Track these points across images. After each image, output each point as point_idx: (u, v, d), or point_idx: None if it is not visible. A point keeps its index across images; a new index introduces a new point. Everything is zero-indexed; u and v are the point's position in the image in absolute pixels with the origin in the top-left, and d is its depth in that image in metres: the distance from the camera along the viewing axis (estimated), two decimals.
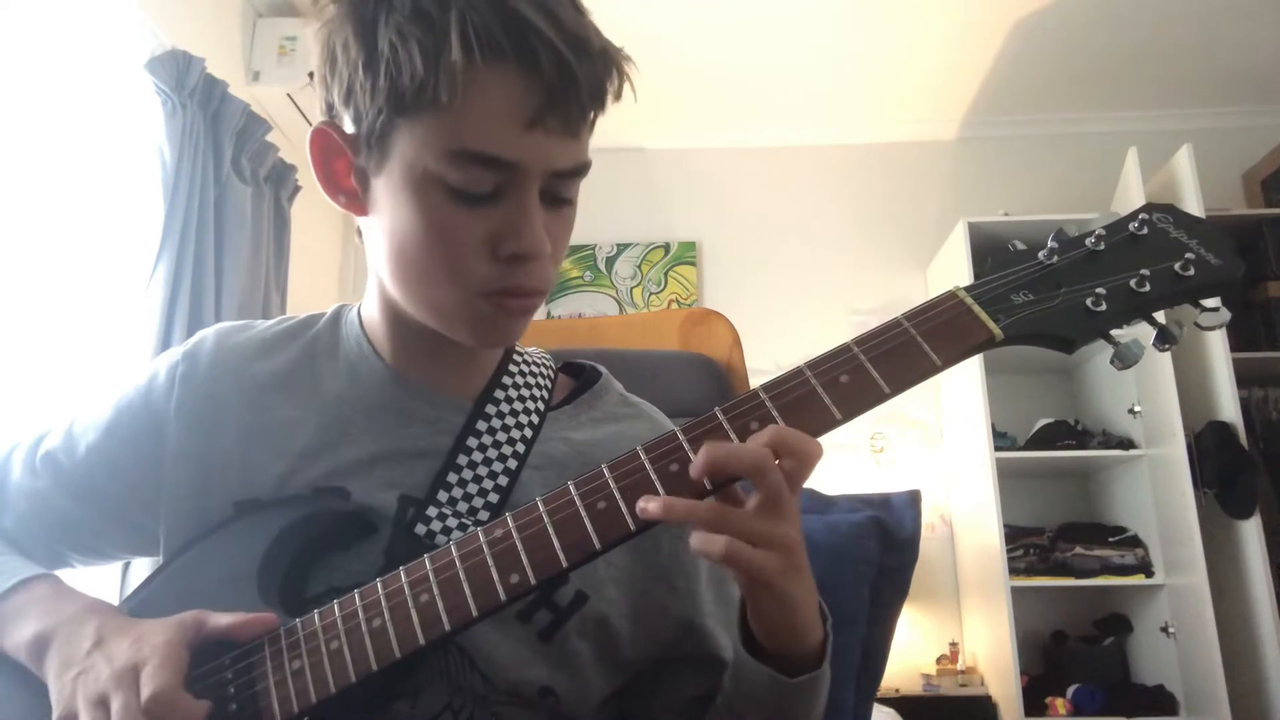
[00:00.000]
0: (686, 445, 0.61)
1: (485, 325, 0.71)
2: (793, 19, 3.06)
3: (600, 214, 3.63)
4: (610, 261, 3.67)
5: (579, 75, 0.64)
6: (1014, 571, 2.92)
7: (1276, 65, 3.31)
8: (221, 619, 0.64)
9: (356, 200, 0.72)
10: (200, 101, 2.27)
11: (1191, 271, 0.62)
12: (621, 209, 3.69)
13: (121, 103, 2.17)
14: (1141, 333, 0.64)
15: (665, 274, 3.63)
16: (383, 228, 0.70)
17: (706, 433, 0.61)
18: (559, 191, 0.69)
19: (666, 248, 3.67)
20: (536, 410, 0.80)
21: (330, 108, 0.70)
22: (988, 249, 3.13)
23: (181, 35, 2.26)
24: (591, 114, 0.68)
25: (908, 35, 3.16)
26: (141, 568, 1.86)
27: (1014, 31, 3.11)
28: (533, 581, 0.60)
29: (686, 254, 3.65)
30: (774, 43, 3.19)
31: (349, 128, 0.69)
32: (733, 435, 0.60)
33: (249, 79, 2.72)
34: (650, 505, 0.57)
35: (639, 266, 3.66)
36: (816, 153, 3.74)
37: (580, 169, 0.69)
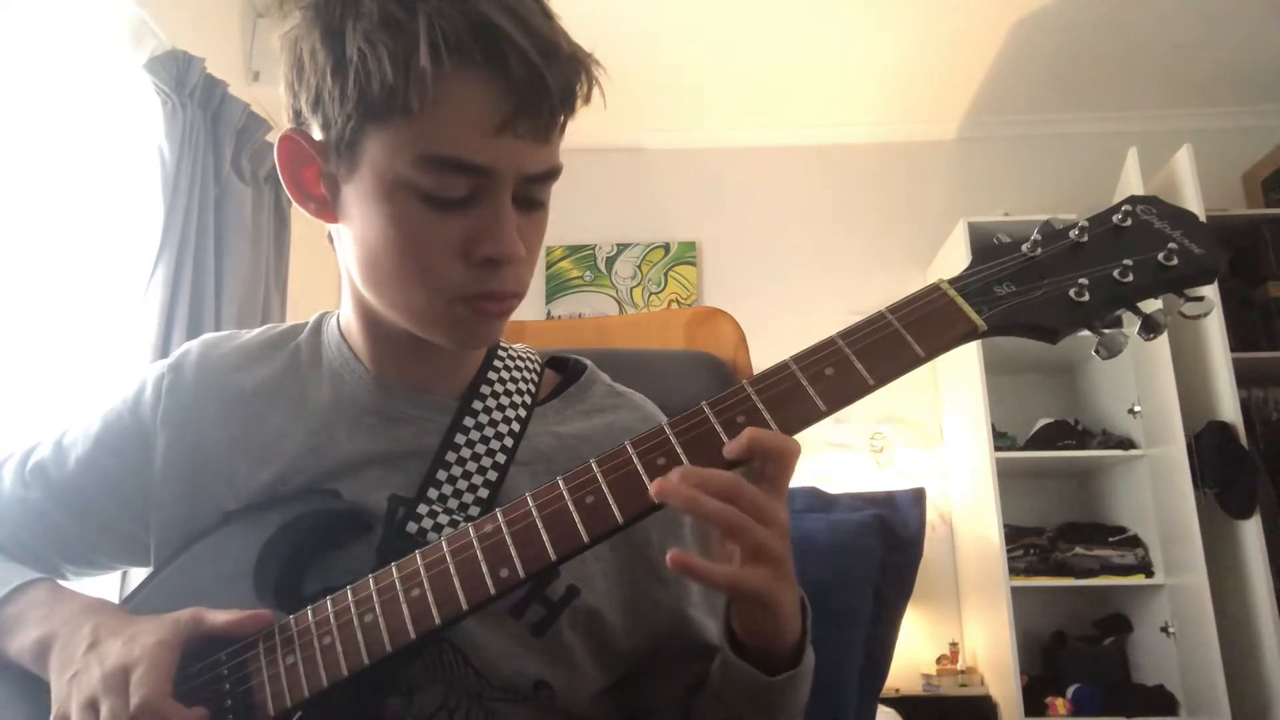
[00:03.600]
0: (674, 440, 0.62)
1: (461, 329, 0.72)
2: (793, 19, 3.06)
3: (600, 214, 3.63)
4: (610, 261, 3.67)
5: (549, 80, 0.64)
6: (1014, 571, 2.91)
7: (1276, 65, 3.31)
8: (218, 616, 0.65)
9: (326, 207, 0.72)
10: (200, 101, 2.27)
11: (1175, 261, 0.62)
12: (621, 209, 3.70)
13: (121, 103, 2.17)
14: (1125, 321, 0.64)
15: (665, 274, 3.63)
16: (354, 234, 0.70)
17: (694, 427, 0.62)
18: (531, 195, 0.69)
19: (666, 248, 3.67)
20: (523, 405, 0.81)
21: (298, 114, 0.70)
22: None
23: (181, 35, 2.26)
24: (561, 118, 0.68)
25: (907, 35, 3.16)
26: (139, 574, 1.86)
27: (1014, 31, 3.11)
28: (522, 575, 0.61)
29: (686, 254, 3.65)
30: (774, 43, 3.19)
31: (317, 134, 0.69)
32: (719, 429, 0.61)
33: (249, 79, 2.72)
34: (665, 487, 0.57)
35: (639, 266, 3.66)
36: (816, 153, 3.74)
37: (552, 173, 0.70)
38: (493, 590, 0.61)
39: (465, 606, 0.61)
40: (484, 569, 0.61)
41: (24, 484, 0.81)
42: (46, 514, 0.81)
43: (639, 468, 0.61)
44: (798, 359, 0.63)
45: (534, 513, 0.62)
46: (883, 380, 0.61)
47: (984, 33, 3.14)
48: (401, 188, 0.66)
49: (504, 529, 0.62)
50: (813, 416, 0.61)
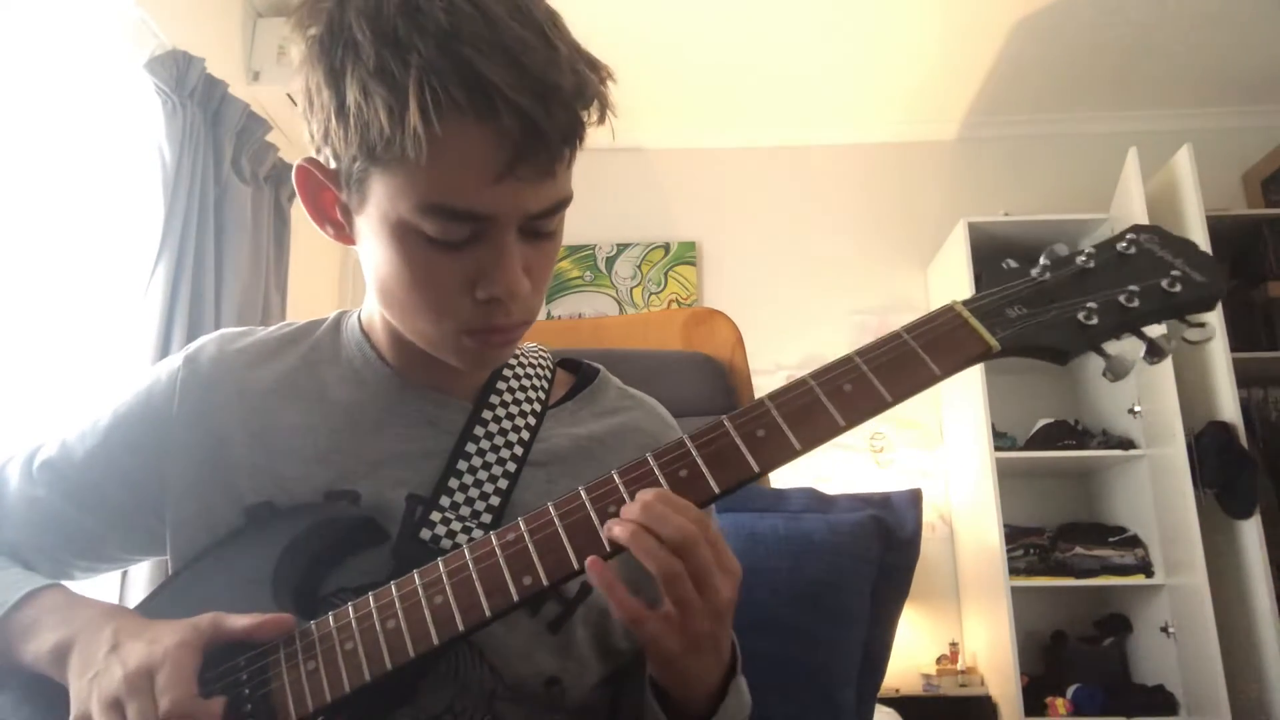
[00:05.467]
0: (695, 452, 0.63)
1: (469, 356, 0.73)
2: (793, 19, 3.06)
3: (600, 214, 3.63)
4: (610, 261, 3.67)
5: (545, 127, 0.62)
6: (1014, 571, 2.92)
7: (1276, 65, 3.31)
8: (239, 620, 0.65)
9: (344, 232, 0.74)
10: (200, 101, 2.27)
11: (1178, 288, 0.65)
12: (621, 209, 3.70)
13: (121, 103, 2.17)
14: (1131, 346, 0.66)
15: (665, 274, 3.63)
16: (368, 260, 0.72)
17: (714, 439, 0.63)
18: (539, 228, 0.69)
19: (666, 248, 3.67)
20: (533, 413, 0.82)
21: (313, 139, 0.71)
22: (988, 249, 3.13)
23: (181, 35, 2.26)
24: (567, 152, 0.66)
25: (908, 35, 3.16)
26: (140, 580, 1.86)
27: (1014, 31, 3.12)
28: (545, 583, 0.62)
29: (686, 254, 3.65)
30: (774, 43, 3.20)
31: (331, 164, 0.70)
32: (740, 443, 0.63)
33: (249, 79, 2.72)
34: (617, 529, 0.60)
35: (639, 266, 3.66)
36: (816, 153, 3.74)
37: (559, 205, 0.69)
38: (516, 597, 0.62)
39: (488, 613, 0.62)
40: (507, 576, 0.62)
41: (31, 482, 0.81)
42: (57, 510, 0.80)
43: (660, 478, 0.62)
44: (816, 375, 0.64)
45: (556, 521, 0.63)
46: (900, 397, 0.63)
47: (984, 33, 3.14)
48: (406, 230, 0.66)
49: (526, 537, 0.63)
50: (831, 431, 0.63)
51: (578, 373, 0.91)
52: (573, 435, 0.82)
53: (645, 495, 0.61)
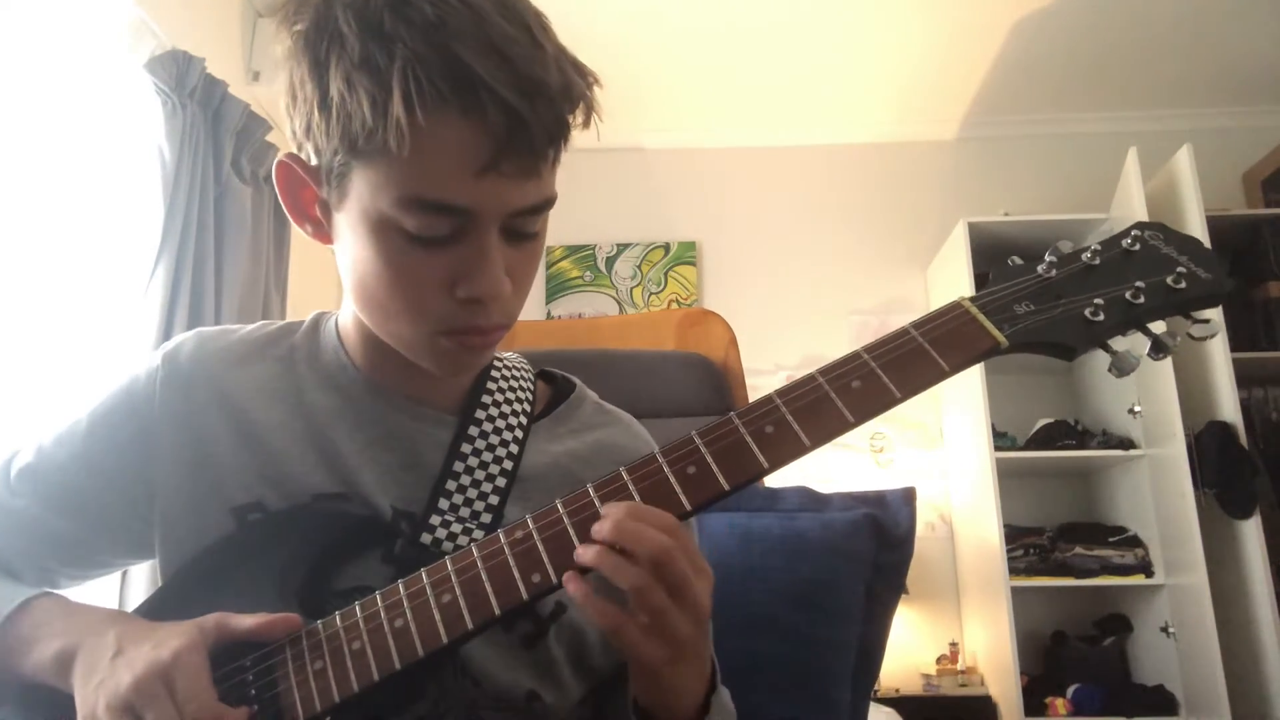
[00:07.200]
0: (704, 449, 0.63)
1: (447, 359, 0.72)
2: (793, 19, 3.06)
3: (600, 214, 3.64)
4: (610, 261, 3.67)
5: (530, 122, 0.62)
6: (1014, 571, 2.92)
7: (1276, 65, 3.31)
8: (245, 621, 0.65)
9: (322, 230, 0.73)
10: (200, 101, 2.27)
11: (1183, 285, 0.65)
12: (621, 209, 3.70)
13: (121, 103, 2.17)
14: (1136, 343, 0.67)
15: (665, 274, 3.63)
16: (346, 259, 0.71)
17: (723, 436, 0.63)
18: (521, 228, 0.68)
19: (666, 248, 3.67)
20: (520, 426, 0.81)
21: (294, 135, 0.71)
22: (988, 249, 3.13)
23: (181, 35, 2.26)
24: (551, 152, 0.66)
25: (908, 35, 3.16)
26: (140, 581, 1.86)
27: (1014, 31, 3.12)
28: (554, 581, 0.61)
29: (686, 254, 3.65)
30: (774, 43, 3.20)
31: (312, 160, 0.69)
32: (749, 440, 0.62)
33: (249, 79, 2.72)
34: (586, 554, 0.60)
35: (639, 266, 3.66)
36: (816, 153, 3.74)
37: (542, 205, 0.68)
38: (525, 595, 0.61)
39: (497, 611, 0.62)
40: (516, 574, 0.62)
41: (11, 491, 0.80)
42: (40, 519, 0.79)
43: (669, 476, 0.62)
44: (824, 372, 0.64)
45: (565, 519, 0.63)
46: (909, 393, 0.63)
47: (984, 33, 3.14)
48: (386, 225, 0.65)
49: (535, 535, 0.63)
50: (840, 428, 0.63)
51: (554, 385, 0.90)
52: (549, 453, 0.81)
53: (616, 512, 0.60)
